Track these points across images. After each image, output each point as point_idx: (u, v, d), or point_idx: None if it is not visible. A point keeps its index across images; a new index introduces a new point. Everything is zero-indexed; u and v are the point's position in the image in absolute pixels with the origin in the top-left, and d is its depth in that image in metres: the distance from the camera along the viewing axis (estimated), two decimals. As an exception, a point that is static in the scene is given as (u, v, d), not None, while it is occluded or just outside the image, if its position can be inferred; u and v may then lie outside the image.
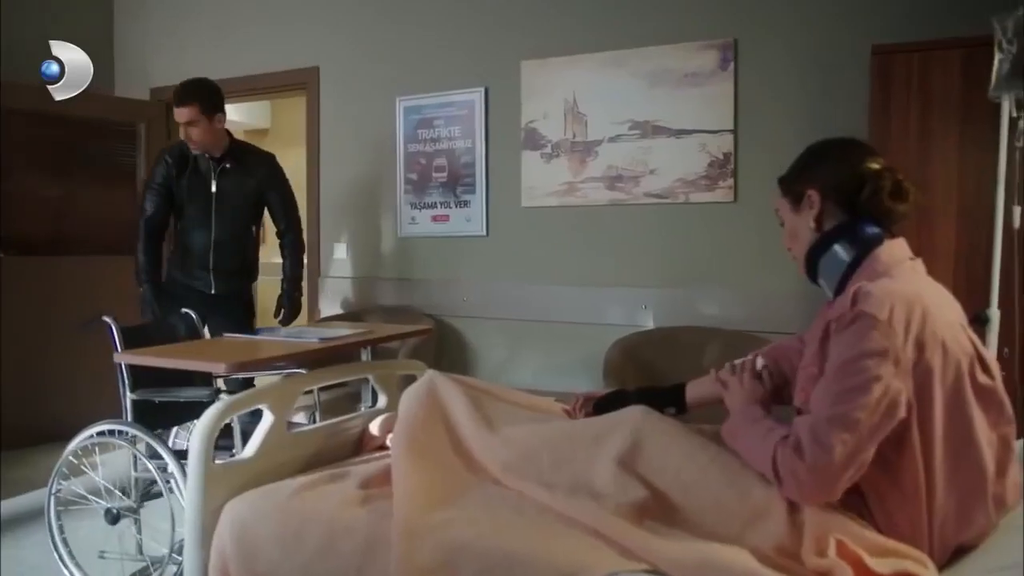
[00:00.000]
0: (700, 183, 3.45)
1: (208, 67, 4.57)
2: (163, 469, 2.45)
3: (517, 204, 3.84)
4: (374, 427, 2.18)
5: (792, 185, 1.53)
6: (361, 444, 2.16)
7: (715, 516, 1.36)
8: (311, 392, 2.85)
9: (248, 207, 3.43)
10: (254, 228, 3.52)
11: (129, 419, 2.64)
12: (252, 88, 4.62)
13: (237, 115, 6.65)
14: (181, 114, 3.22)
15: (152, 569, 2.48)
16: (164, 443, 2.55)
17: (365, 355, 2.50)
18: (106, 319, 2.78)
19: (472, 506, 1.52)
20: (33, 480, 3.31)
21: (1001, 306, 2.30)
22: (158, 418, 2.77)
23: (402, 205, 4.15)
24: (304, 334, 2.34)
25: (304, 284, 4.46)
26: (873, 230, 1.42)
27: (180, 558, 2.36)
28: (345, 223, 4.36)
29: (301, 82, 4.38)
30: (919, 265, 1.45)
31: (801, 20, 3.26)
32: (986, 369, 1.36)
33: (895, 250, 1.42)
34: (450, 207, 4.03)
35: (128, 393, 2.63)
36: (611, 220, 3.66)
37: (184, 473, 2.42)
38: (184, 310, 3.03)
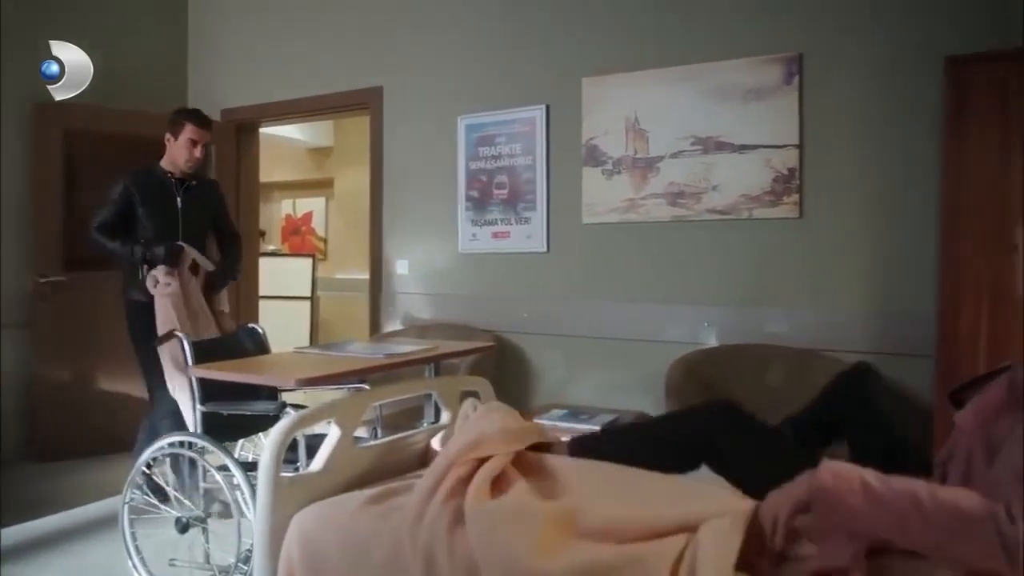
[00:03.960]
0: (764, 199, 3.39)
1: (276, 88, 4.74)
2: (231, 481, 2.50)
3: (578, 221, 3.84)
4: (436, 442, 2.19)
5: None
6: (426, 458, 2.17)
7: None
8: (373, 407, 2.88)
9: (207, 221, 3.65)
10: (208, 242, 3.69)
11: (198, 431, 2.71)
12: (317, 108, 4.74)
13: (301, 134, 6.83)
14: (204, 135, 3.46)
15: (219, 578, 2.53)
16: (232, 455, 2.61)
17: (428, 371, 2.52)
18: (178, 334, 2.89)
19: None
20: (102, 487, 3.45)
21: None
22: (223, 431, 2.83)
23: (463, 222, 4.19)
24: (370, 350, 2.38)
25: (365, 300, 4.55)
26: None
27: (246, 567, 2.42)
28: (407, 240, 4.41)
29: (364, 102, 4.46)
30: None
31: (868, 32, 3.18)
32: None
33: None
34: (511, 224, 4.05)
35: (198, 406, 2.71)
36: (673, 237, 3.62)
37: (251, 485, 2.48)
38: (251, 324, 3.11)
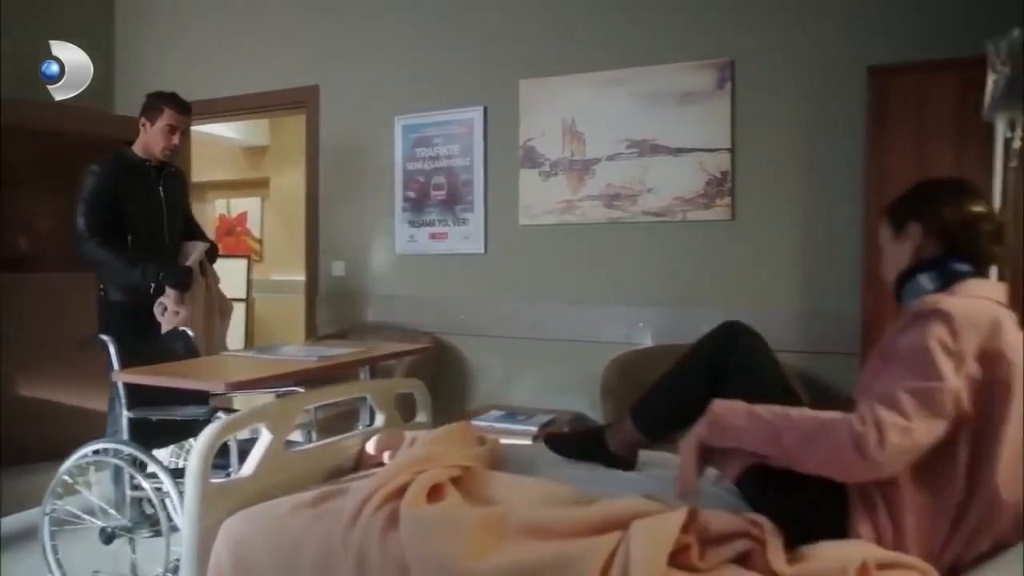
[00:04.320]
0: (698, 201, 3.46)
1: (209, 85, 4.62)
2: (158, 488, 2.43)
3: (515, 222, 3.85)
4: (371, 446, 2.17)
5: (897, 215, 1.62)
6: (359, 462, 2.15)
7: None
8: (308, 410, 2.83)
9: (183, 209, 3.50)
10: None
11: (125, 438, 2.63)
12: (253, 106, 4.64)
13: (236, 133, 6.68)
14: (183, 121, 3.28)
15: (147, 589, 2.46)
16: (160, 462, 2.53)
17: (363, 373, 2.50)
18: (103, 337, 2.79)
19: None
20: (22, 500, 3.30)
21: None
22: (152, 437, 2.75)
23: (400, 223, 4.16)
24: (303, 353, 2.34)
25: (303, 302, 4.48)
26: (962, 267, 1.50)
27: (175, 578, 2.35)
28: (344, 241, 4.36)
29: (301, 100, 4.40)
30: (1005, 310, 1.46)
31: (797, 41, 3.28)
32: None
33: (980, 288, 1.48)
34: (448, 225, 4.04)
35: (124, 412, 2.62)
36: (609, 238, 3.66)
37: (180, 492, 2.42)
38: (182, 328, 3.03)
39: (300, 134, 4.55)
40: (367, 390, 2.34)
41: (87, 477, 2.70)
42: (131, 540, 2.61)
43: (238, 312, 6.84)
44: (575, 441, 2.10)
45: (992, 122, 2.22)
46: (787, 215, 3.31)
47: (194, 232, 3.58)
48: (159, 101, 3.28)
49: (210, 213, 7.51)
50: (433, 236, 4.08)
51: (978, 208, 1.53)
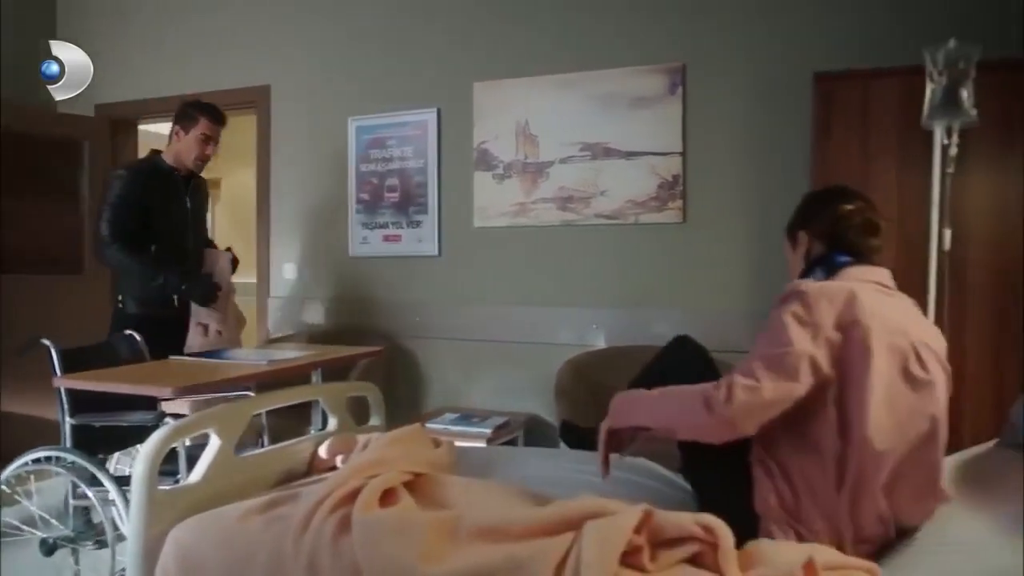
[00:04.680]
0: (650, 204, 3.50)
1: (155, 84, 4.53)
2: (104, 497, 2.37)
3: (469, 224, 3.85)
4: (323, 450, 2.15)
5: (790, 229, 1.83)
6: (310, 466, 2.12)
7: None
8: (259, 415, 2.79)
9: (206, 219, 3.45)
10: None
11: (68, 445, 2.56)
12: (201, 106, 4.54)
13: (184, 133, 6.54)
14: (217, 131, 3.24)
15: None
16: (105, 469, 2.47)
17: (316, 377, 2.47)
18: (44, 342, 2.70)
19: None
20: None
21: (935, 323, 2.37)
22: (98, 444, 2.69)
23: (353, 225, 4.12)
24: (253, 356, 2.30)
25: (254, 304, 4.41)
26: (843, 259, 1.68)
27: (121, 588, 2.30)
28: (296, 243, 4.31)
29: (252, 100, 4.33)
30: (884, 290, 1.64)
31: (747, 47, 3.34)
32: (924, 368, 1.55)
33: (860, 273, 1.65)
34: (402, 227, 4.02)
35: (67, 418, 2.55)
36: (562, 240, 3.68)
37: (126, 500, 2.36)
38: (128, 331, 2.95)
39: (243, 134, 4.47)
40: (320, 393, 2.32)
41: (27, 487, 2.62)
42: (74, 551, 2.54)
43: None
44: (587, 434, 2.15)
45: (931, 129, 2.29)
46: (737, 218, 3.37)
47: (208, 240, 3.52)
48: (194, 110, 3.19)
49: (158, 214, 7.35)
50: (387, 238, 4.06)
51: (848, 206, 1.72)
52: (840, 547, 1.48)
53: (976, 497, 1.61)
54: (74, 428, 2.55)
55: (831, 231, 1.72)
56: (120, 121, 4.72)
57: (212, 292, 3.14)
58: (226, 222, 7.10)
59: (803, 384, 1.47)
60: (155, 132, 5.75)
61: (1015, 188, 2.65)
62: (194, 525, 1.65)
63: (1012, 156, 2.65)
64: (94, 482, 2.42)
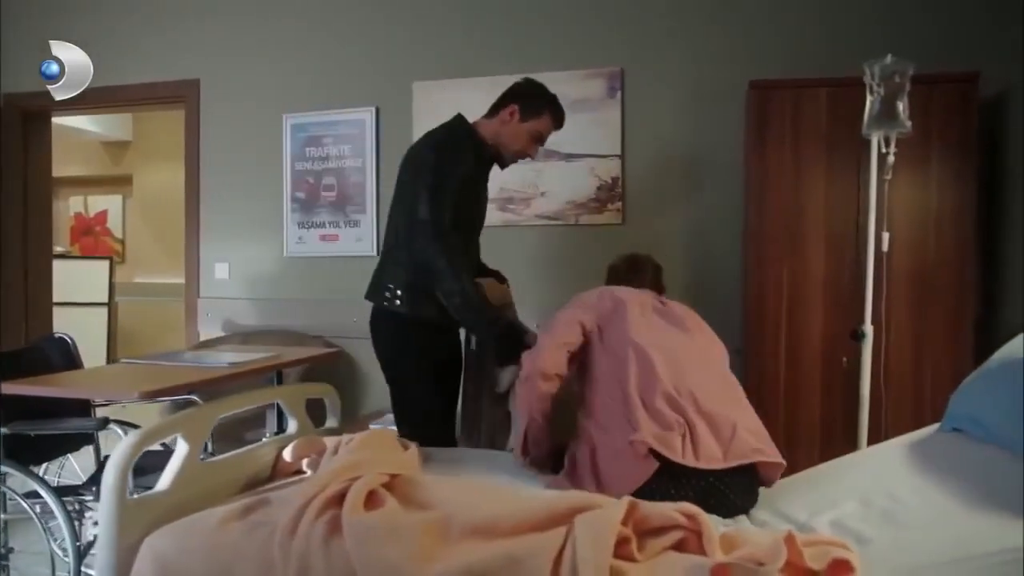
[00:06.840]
0: (590, 205, 3.58)
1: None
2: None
3: (409, 224, 3.83)
4: (287, 453, 2.12)
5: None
6: (275, 470, 2.09)
7: None
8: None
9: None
10: None
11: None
12: (125, 99, 4.35)
13: (95, 126, 6.25)
14: (548, 136, 2.71)
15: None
16: (44, 481, 2.36)
17: (271, 379, 2.43)
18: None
19: None
20: None
21: (873, 322, 2.54)
22: (28, 454, 2.55)
23: (289, 224, 4.05)
24: (209, 359, 2.24)
25: (173, 305, 4.25)
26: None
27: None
28: (227, 242, 4.19)
29: (180, 94, 4.18)
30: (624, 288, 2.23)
31: (684, 53, 3.47)
32: None
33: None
34: (339, 226, 3.97)
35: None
36: (503, 240, 3.71)
37: (66, 511, 2.27)
38: (59, 334, 2.82)
39: (168, 129, 4.34)
40: (280, 396, 2.28)
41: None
42: (4, 568, 2.42)
43: (99, 316, 6.43)
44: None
45: (869, 138, 2.44)
46: (674, 219, 3.49)
47: None
48: (544, 102, 2.62)
49: (64, 212, 7.00)
50: (324, 237, 4.00)
51: (615, 263, 2.52)
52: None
53: (928, 476, 1.72)
54: (6, 438, 2.42)
55: (618, 275, 2.47)
56: (32, 112, 4.46)
57: (521, 348, 2.24)
58: (139, 221, 6.82)
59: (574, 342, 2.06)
60: (62, 125, 5.50)
61: (932, 194, 2.85)
62: (171, 533, 1.61)
63: (928, 166, 2.85)
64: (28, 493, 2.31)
